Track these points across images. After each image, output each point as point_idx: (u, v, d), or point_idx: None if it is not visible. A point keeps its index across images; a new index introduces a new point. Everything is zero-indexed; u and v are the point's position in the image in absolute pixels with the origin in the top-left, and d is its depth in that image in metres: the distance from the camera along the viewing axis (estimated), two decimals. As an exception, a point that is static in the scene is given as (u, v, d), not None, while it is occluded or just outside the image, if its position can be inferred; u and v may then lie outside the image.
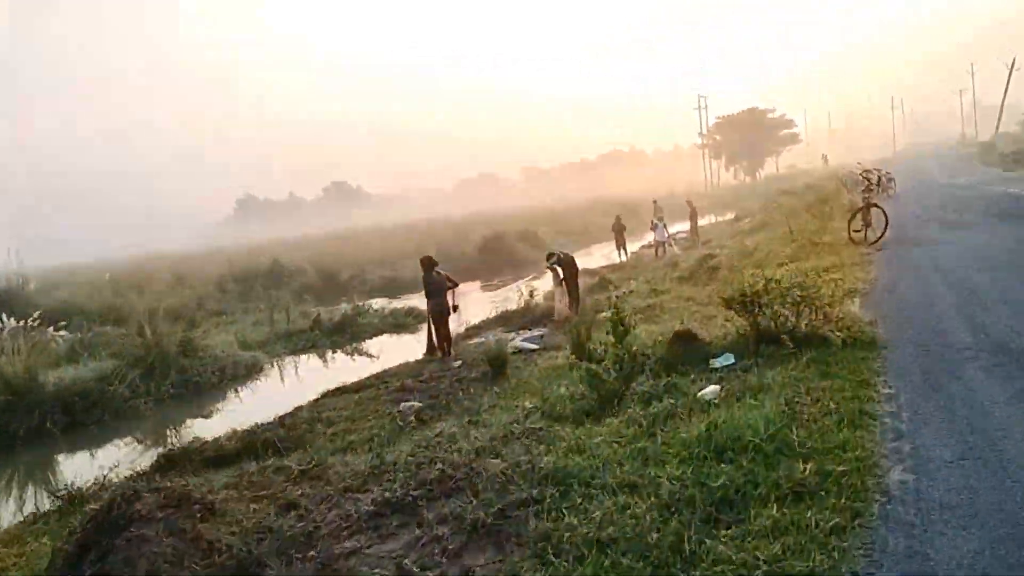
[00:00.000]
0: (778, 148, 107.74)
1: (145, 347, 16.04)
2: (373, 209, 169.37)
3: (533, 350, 13.00)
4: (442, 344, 14.42)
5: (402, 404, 10.08)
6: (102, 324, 24.91)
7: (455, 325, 15.59)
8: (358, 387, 12.27)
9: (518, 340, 14.09)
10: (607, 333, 7.97)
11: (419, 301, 28.32)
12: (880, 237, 15.08)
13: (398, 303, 29.04)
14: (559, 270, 16.00)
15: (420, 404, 9.98)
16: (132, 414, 14.25)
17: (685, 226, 33.12)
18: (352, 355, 19.24)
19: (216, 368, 16.68)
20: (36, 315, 22.66)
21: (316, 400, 12.31)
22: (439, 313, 14.32)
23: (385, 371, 13.87)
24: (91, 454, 12.59)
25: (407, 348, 17.14)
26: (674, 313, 12.78)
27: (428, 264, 14.53)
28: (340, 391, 12.32)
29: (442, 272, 14.68)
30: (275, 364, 18.45)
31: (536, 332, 14.91)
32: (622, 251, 28.06)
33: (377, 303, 29.93)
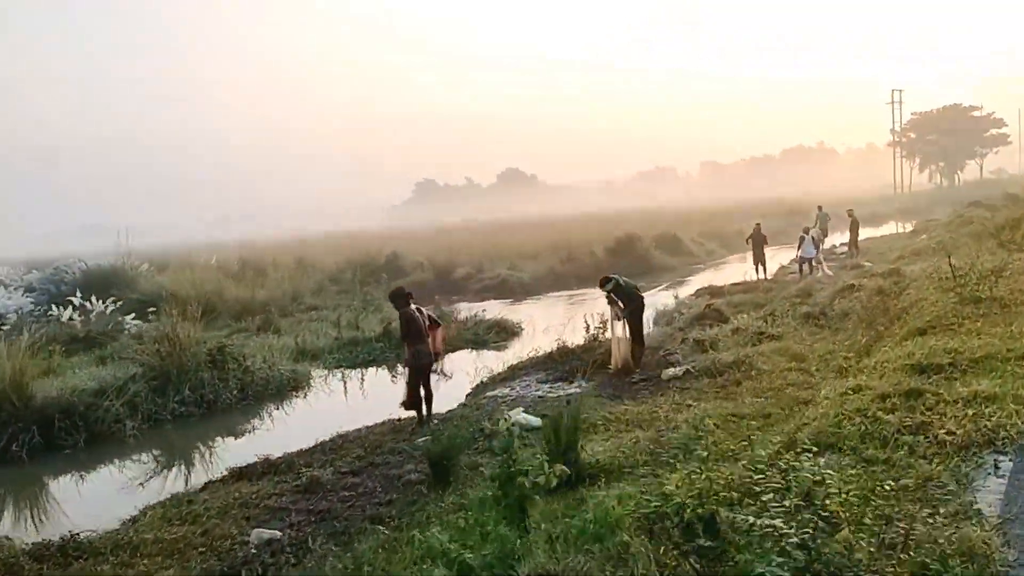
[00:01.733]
0: (983, 150, 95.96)
1: (159, 355, 14.10)
2: (545, 198, 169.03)
3: (537, 428, 8.90)
4: (420, 405, 11.05)
5: (253, 533, 7.13)
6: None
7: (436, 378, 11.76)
8: (264, 470, 9.35)
9: (518, 412, 9.97)
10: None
11: (525, 310, 25.99)
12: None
13: (505, 308, 26.53)
14: (619, 303, 12.50)
15: (280, 535, 7.01)
16: (111, 439, 12.26)
17: (846, 238, 28.25)
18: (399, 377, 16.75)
19: (240, 384, 14.56)
20: (109, 300, 21.99)
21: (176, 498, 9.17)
22: (420, 365, 10.99)
23: (344, 435, 10.98)
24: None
25: (461, 377, 14.34)
26: (763, 381, 9.31)
27: (400, 297, 11.18)
28: (241, 474, 9.41)
29: (423, 310, 11.51)
30: (320, 380, 16.19)
31: (572, 388, 11.49)
32: (760, 267, 23.76)
33: (485, 306, 27.60)
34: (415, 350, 10.90)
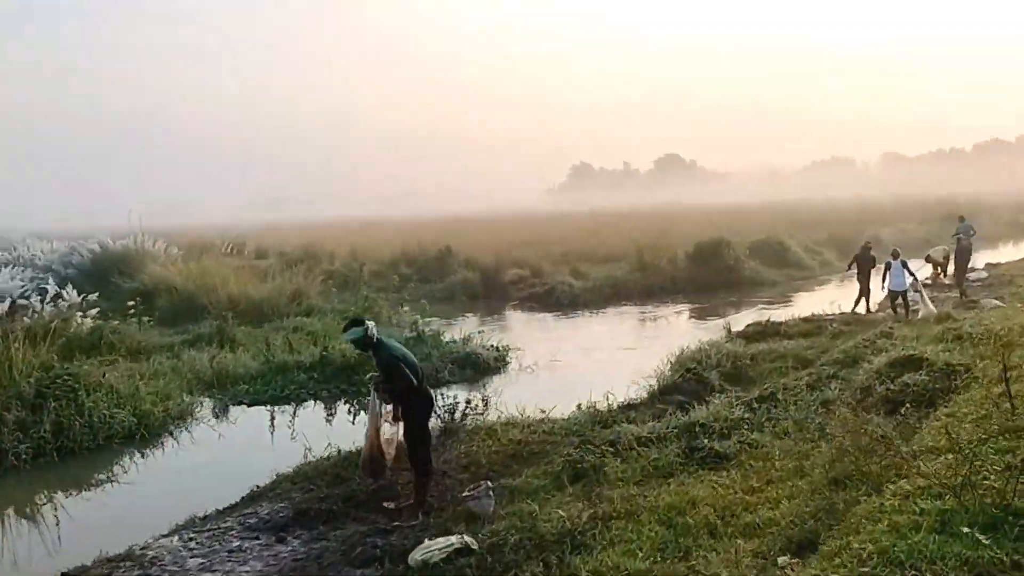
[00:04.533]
0: None
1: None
2: (704, 186, 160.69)
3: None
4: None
5: None
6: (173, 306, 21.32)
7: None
8: None
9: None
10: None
11: (549, 329, 21.49)
12: None
13: (530, 324, 22.23)
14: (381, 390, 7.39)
15: None
16: None
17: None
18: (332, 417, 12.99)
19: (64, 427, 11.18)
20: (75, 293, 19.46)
21: None
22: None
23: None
24: None
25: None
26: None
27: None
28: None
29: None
30: (205, 423, 12.65)
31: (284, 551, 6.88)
32: (863, 300, 18.05)
33: (518, 318, 23.39)
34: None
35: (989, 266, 25.26)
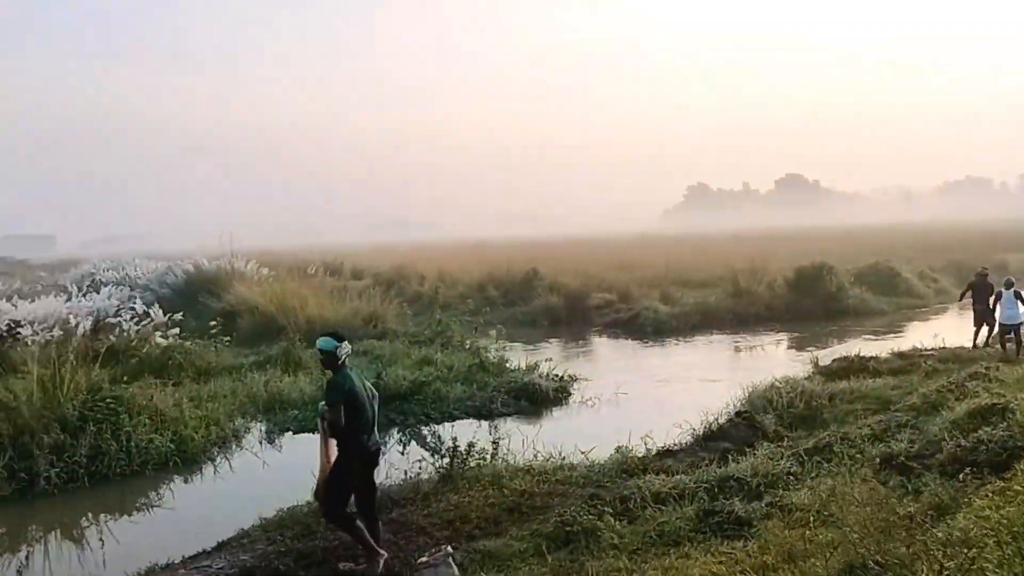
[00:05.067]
0: None
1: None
2: (829, 207, 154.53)
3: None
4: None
5: None
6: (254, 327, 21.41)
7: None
8: None
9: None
10: None
11: (630, 357, 20.31)
12: None
13: (610, 351, 21.24)
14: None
15: None
16: None
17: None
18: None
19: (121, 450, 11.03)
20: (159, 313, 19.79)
21: None
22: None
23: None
24: None
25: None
26: None
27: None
28: None
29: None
30: (250, 449, 12.38)
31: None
32: (980, 332, 16.11)
33: (601, 344, 22.41)
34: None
35: None
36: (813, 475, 7.37)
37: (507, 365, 16.56)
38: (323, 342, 6.58)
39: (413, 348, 18.69)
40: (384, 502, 7.37)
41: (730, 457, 8.23)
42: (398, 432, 12.95)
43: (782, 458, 7.86)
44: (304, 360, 17.33)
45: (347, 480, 6.41)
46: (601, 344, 22.83)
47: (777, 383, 12.17)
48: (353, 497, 6.41)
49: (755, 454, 8.20)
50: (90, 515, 10.01)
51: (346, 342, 6.65)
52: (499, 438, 9.12)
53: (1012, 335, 14.23)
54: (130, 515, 10.01)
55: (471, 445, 8.43)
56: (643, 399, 14.58)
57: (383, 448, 9.68)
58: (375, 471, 6.68)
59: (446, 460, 8.25)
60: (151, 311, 19.90)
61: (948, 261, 31.83)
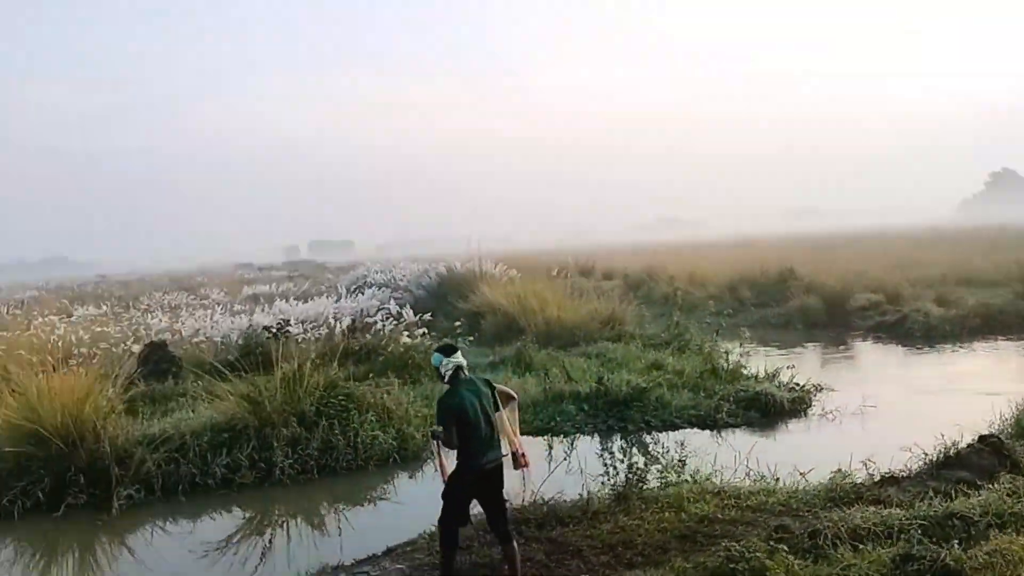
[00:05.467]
0: None
1: (246, 403, 11.99)
2: None
3: None
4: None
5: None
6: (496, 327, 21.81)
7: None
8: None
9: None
10: None
11: (879, 366, 18.09)
12: None
13: (876, 365, 19.26)
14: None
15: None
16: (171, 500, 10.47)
17: None
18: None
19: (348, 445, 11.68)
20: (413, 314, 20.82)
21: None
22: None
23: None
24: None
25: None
26: None
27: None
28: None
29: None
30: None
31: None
32: None
33: (864, 348, 20.41)
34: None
35: None
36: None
37: (743, 371, 15.54)
38: (434, 358, 6.33)
39: (647, 351, 18.17)
40: (549, 519, 7.04)
41: (962, 490, 6.93)
42: (619, 439, 12.55)
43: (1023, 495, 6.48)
44: (538, 361, 17.40)
45: (459, 496, 6.16)
46: (861, 350, 20.84)
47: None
48: (485, 517, 6.16)
49: (993, 488, 6.85)
50: (325, 503, 10.65)
51: (456, 355, 6.30)
52: (687, 456, 8.37)
53: None
54: (361, 505, 10.51)
55: (649, 461, 7.78)
56: (894, 414, 13.00)
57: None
58: (501, 488, 6.31)
59: (621, 477, 7.70)
60: (404, 311, 21.06)
61: None
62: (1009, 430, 10.52)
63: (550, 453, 11.31)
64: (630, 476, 7.60)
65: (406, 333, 18.89)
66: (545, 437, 12.72)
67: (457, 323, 20.92)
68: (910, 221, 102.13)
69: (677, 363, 16.25)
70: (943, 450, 8.15)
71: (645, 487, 7.60)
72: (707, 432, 12.60)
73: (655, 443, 12.06)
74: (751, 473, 8.81)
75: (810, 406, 13.65)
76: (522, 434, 12.72)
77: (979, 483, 7.20)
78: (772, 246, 47.08)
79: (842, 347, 21.32)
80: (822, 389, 14.56)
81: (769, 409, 13.14)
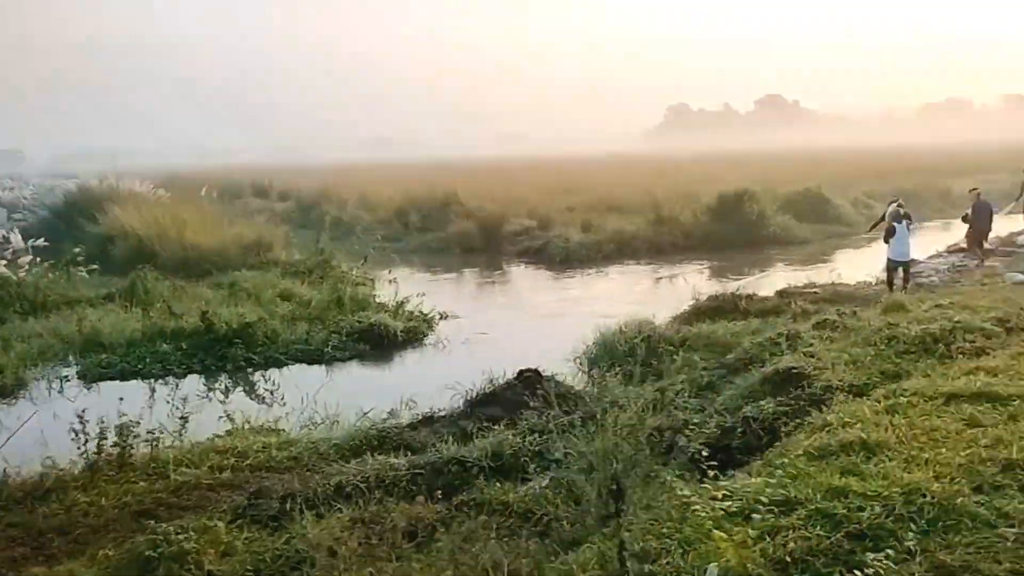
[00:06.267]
0: None
1: None
2: (811, 128, 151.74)
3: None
4: None
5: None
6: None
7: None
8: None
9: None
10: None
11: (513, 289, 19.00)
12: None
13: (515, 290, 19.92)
14: None
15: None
16: None
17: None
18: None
19: None
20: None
21: None
22: None
23: None
24: None
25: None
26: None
27: None
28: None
29: None
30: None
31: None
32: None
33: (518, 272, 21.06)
34: None
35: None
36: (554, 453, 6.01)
37: (373, 301, 15.19)
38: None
39: (286, 279, 17.26)
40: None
41: (489, 427, 6.89)
42: (212, 379, 11.61)
43: (527, 434, 6.52)
44: (154, 293, 15.80)
45: None
46: (506, 275, 21.50)
47: (623, 327, 10.83)
48: None
49: (517, 426, 6.88)
50: None
51: None
52: (188, 413, 7.48)
53: (901, 273, 12.86)
54: None
55: (129, 424, 6.78)
56: (502, 341, 13.23)
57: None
58: None
59: (93, 444, 6.73)
60: (12, 236, 18.43)
61: (896, 188, 30.17)
62: (592, 353, 11.07)
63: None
64: (104, 442, 6.62)
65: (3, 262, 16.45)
66: (132, 383, 11.42)
67: (76, 249, 18.51)
68: (603, 149, 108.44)
69: (307, 293, 15.54)
70: (483, 387, 8.16)
71: (132, 453, 6.69)
72: (315, 368, 12.06)
73: (243, 384, 11.33)
74: (312, 416, 8.33)
75: (426, 336, 13.57)
76: (104, 379, 11.52)
77: (509, 418, 7.21)
78: (457, 170, 47.74)
79: (497, 272, 21.84)
80: (446, 317, 14.59)
81: (382, 341, 12.85)
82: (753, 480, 4.55)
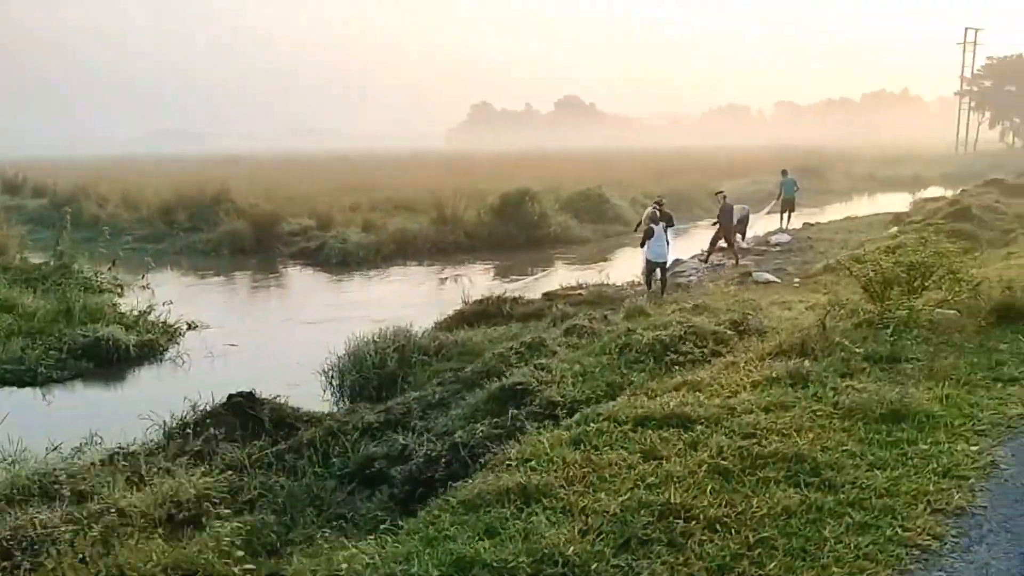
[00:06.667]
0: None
1: None
2: (606, 130, 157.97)
3: None
4: None
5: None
6: None
7: None
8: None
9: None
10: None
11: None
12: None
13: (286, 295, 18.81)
14: None
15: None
16: None
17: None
18: None
19: None
20: None
21: None
22: None
23: None
24: None
25: None
26: None
27: None
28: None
29: None
30: None
31: None
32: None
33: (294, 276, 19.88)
34: None
35: (807, 226, 22.45)
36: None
37: (113, 311, 13.59)
38: None
39: (16, 287, 15.19)
40: None
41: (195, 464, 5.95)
42: None
43: (226, 470, 5.68)
44: None
45: None
46: (282, 278, 20.24)
47: (375, 337, 10.11)
48: None
49: (212, 462, 5.99)
50: None
51: None
52: None
53: (659, 275, 13.00)
54: None
55: None
56: (256, 353, 12.18)
57: None
58: None
59: None
60: None
61: (672, 189, 31.36)
62: (344, 364, 10.26)
63: None
64: None
65: None
66: None
67: None
68: (408, 147, 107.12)
69: (33, 304, 13.68)
70: (184, 415, 7.18)
71: None
72: (25, 390, 10.50)
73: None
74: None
75: (166, 350, 12.25)
76: None
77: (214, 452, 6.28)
78: (242, 165, 45.36)
79: (272, 275, 20.51)
80: (195, 327, 13.33)
81: (112, 357, 11.42)
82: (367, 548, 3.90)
